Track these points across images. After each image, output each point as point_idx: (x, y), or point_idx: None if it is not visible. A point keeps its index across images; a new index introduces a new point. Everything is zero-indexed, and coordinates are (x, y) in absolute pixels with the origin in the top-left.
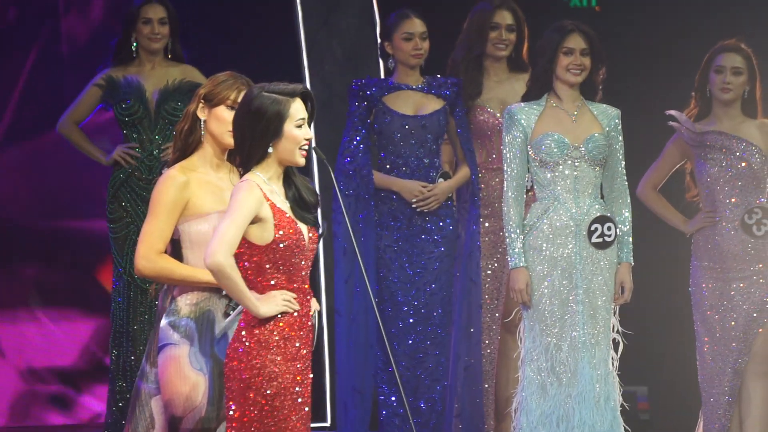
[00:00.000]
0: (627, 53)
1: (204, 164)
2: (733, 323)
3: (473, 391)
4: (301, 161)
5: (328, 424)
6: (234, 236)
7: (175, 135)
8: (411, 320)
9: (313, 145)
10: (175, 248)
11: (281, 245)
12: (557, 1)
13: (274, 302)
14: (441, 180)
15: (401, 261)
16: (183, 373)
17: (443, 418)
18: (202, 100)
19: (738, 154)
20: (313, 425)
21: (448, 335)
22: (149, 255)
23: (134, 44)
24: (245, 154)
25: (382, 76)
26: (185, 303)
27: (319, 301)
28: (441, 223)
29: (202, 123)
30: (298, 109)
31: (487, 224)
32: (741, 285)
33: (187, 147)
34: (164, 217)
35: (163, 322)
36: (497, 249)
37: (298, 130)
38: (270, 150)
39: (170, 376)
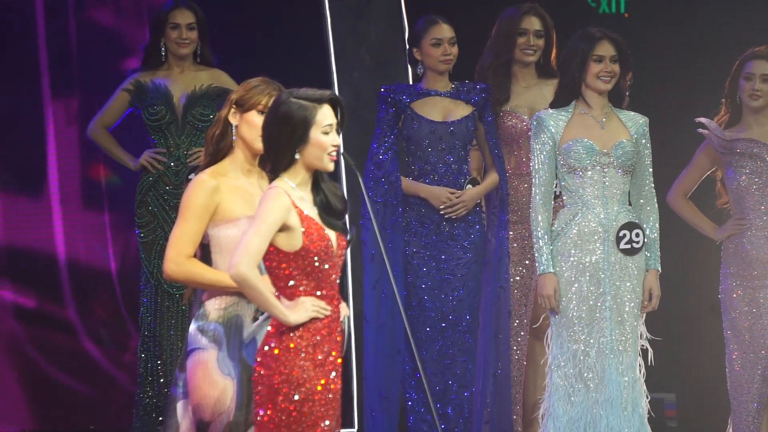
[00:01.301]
0: (655, 60)
1: (234, 169)
2: (762, 330)
3: (502, 397)
4: (330, 167)
5: (355, 429)
6: (258, 246)
7: (207, 140)
8: (439, 326)
9: (341, 150)
10: (204, 253)
11: (309, 252)
12: (586, 8)
13: (303, 308)
14: (469, 186)
15: (429, 267)
16: (211, 377)
17: (471, 425)
18: (234, 105)
19: (767, 161)
20: (340, 431)
21: (475, 341)
22: (178, 259)
23: (163, 49)
24: (273, 160)
25: (411, 83)
26: (214, 308)
27: (348, 308)
28: (469, 229)
29: (233, 128)
30: (325, 115)
31: (515, 230)
32: None
33: (218, 152)
34: (194, 221)
35: (192, 326)
36: (525, 255)
37: (325, 136)
38: (297, 156)
39: (198, 381)
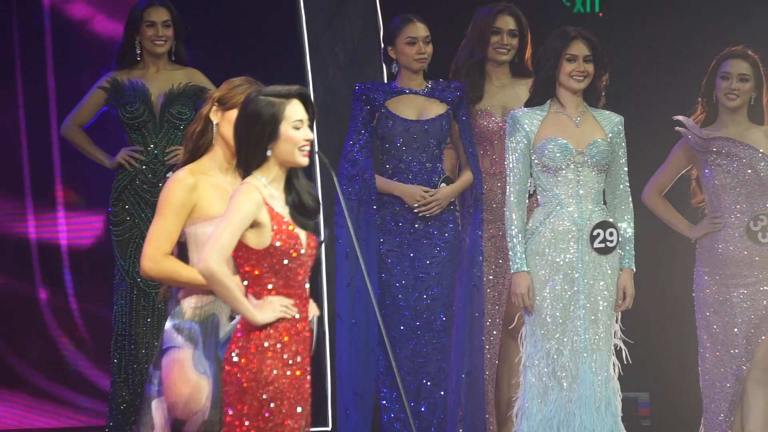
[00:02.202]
0: (630, 59)
1: (213, 167)
2: (735, 330)
3: (475, 396)
4: (303, 161)
5: (329, 428)
6: (228, 242)
7: (186, 136)
8: (413, 325)
9: (316, 148)
10: (181, 251)
11: (278, 251)
12: (561, 7)
13: (271, 308)
14: (443, 185)
15: (403, 265)
16: (186, 376)
17: (445, 423)
18: (216, 103)
19: (744, 160)
20: (314, 429)
21: (449, 340)
22: (155, 256)
23: (138, 48)
24: (244, 158)
25: (386, 81)
26: (190, 306)
27: (321, 306)
28: (443, 228)
29: (214, 126)
30: (295, 110)
31: (490, 229)
32: (744, 291)
33: (198, 149)
34: (172, 218)
35: (168, 324)
36: (499, 254)
37: (296, 131)
38: (269, 153)
39: (174, 379)
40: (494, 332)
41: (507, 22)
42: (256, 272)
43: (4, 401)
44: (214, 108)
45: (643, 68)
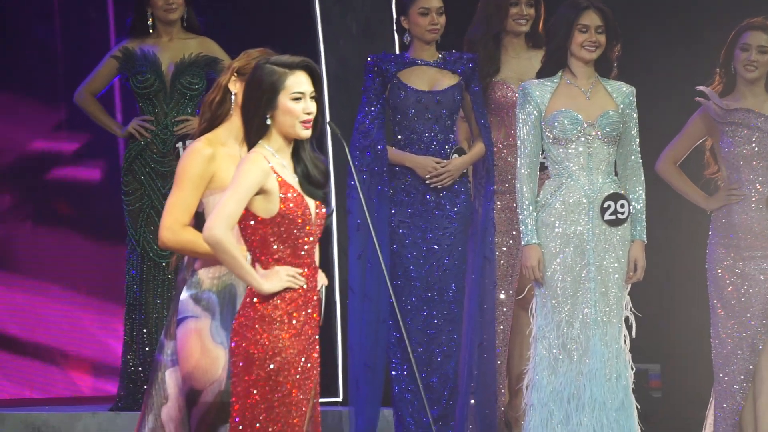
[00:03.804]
0: (642, 29)
1: (229, 137)
2: (752, 301)
3: (486, 367)
4: (304, 134)
5: (340, 399)
6: (234, 210)
7: (204, 105)
8: (424, 296)
9: (328, 119)
10: (198, 221)
11: (286, 219)
12: None
13: (278, 278)
14: (455, 156)
15: (415, 236)
16: (204, 346)
17: (456, 394)
18: (236, 74)
19: (765, 132)
20: (324, 400)
21: (461, 311)
22: (174, 227)
23: (150, 18)
24: (245, 125)
25: (397, 52)
26: (207, 276)
27: (332, 278)
28: (455, 199)
29: (232, 96)
30: (297, 82)
31: (503, 200)
32: (762, 263)
33: (216, 118)
34: (190, 189)
35: (184, 294)
36: (513, 225)
37: (295, 102)
38: (269, 122)
39: (191, 349)
40: (507, 303)
41: None
42: (264, 241)
43: (17, 369)
44: (233, 78)
45: (656, 38)
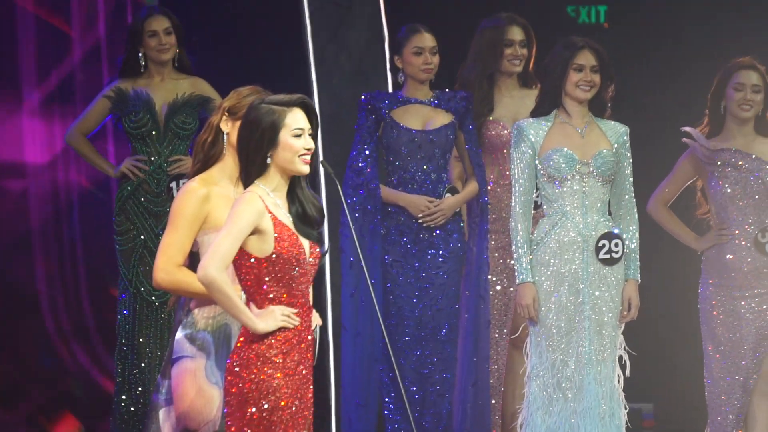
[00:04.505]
0: (635, 70)
1: (223, 177)
2: (743, 341)
3: (480, 407)
4: (304, 169)
5: None
6: (228, 250)
7: (197, 146)
8: (417, 335)
9: (321, 158)
10: (192, 261)
11: (280, 259)
12: (565, 18)
13: (272, 318)
14: (448, 195)
15: (408, 275)
16: (199, 386)
17: None
18: (227, 113)
19: (752, 172)
20: None
21: (454, 350)
22: (168, 267)
23: (142, 59)
24: (245, 166)
25: (391, 90)
26: (202, 316)
27: (326, 316)
28: (448, 238)
29: (224, 136)
30: (295, 118)
31: (497, 240)
32: (752, 303)
33: (209, 159)
34: (184, 229)
35: (179, 334)
36: (507, 264)
37: (296, 139)
38: (269, 161)
39: (186, 389)
40: (501, 343)
41: (517, 33)
42: (258, 280)
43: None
44: (225, 117)
45: (647, 79)
